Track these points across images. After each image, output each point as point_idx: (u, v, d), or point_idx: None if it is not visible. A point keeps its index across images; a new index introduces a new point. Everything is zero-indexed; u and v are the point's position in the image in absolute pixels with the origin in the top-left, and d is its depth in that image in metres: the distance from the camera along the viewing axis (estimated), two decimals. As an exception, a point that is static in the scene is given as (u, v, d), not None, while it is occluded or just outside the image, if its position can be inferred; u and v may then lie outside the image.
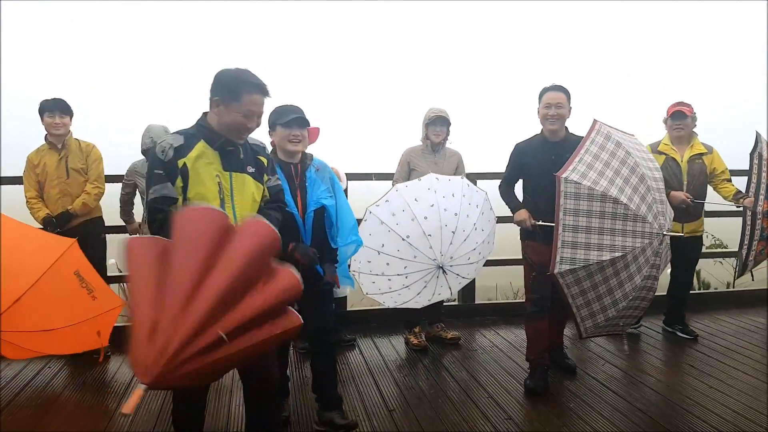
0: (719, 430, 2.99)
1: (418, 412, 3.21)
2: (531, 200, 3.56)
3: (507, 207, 3.64)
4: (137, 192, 4.19)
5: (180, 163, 2.15)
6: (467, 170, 4.29)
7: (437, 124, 4.09)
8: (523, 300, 3.74)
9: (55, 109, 3.86)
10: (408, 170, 4.15)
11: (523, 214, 3.48)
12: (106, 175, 4.18)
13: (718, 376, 3.72)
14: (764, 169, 3.78)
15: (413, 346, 4.22)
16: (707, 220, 4.56)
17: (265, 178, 2.43)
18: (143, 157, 4.08)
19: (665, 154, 4.23)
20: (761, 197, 3.76)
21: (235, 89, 2.18)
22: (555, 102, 3.39)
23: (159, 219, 2.12)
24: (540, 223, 3.41)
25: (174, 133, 2.23)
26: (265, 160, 2.42)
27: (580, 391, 3.49)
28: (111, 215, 4.32)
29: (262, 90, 2.24)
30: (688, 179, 4.19)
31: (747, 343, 4.33)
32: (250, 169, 2.32)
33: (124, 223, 4.36)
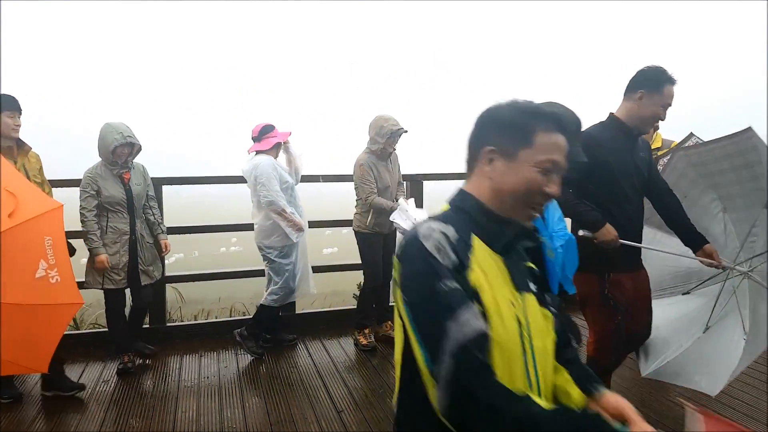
0: (661, 422, 3.17)
1: (367, 413, 3.25)
2: (604, 211, 2.66)
3: (576, 217, 2.68)
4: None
5: (471, 277, 1.11)
6: (416, 172, 4.39)
7: (397, 135, 4.13)
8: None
9: (15, 108, 3.31)
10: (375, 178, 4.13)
11: (612, 231, 2.58)
12: (69, 180, 3.97)
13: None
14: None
15: (362, 347, 4.26)
16: None
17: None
18: (99, 159, 3.73)
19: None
20: None
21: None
22: (671, 102, 2.68)
23: (484, 384, 1.02)
24: (626, 242, 2.64)
25: (435, 219, 1.18)
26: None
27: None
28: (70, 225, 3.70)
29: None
30: None
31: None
32: (532, 286, 1.27)
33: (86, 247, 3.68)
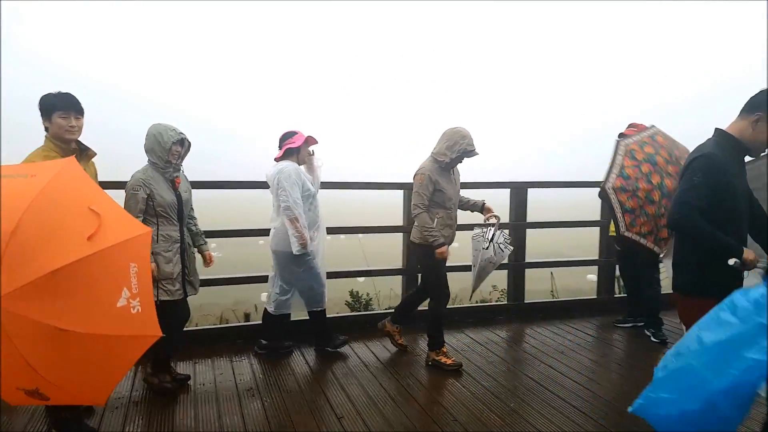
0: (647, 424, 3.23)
1: (368, 419, 3.26)
2: (727, 234, 2.51)
3: (713, 246, 2.50)
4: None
5: None
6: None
7: (468, 156, 3.98)
8: (467, 305, 3.83)
9: (70, 108, 3.03)
10: (433, 190, 3.95)
11: (752, 252, 2.47)
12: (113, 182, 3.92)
13: (641, 375, 4.00)
14: (620, 151, 4.30)
15: (448, 367, 4.03)
16: None
17: None
18: (148, 158, 3.53)
19: None
20: (614, 175, 4.21)
21: None
22: None
23: None
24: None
25: None
26: None
27: (519, 391, 3.65)
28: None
29: None
30: None
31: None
32: None
33: None
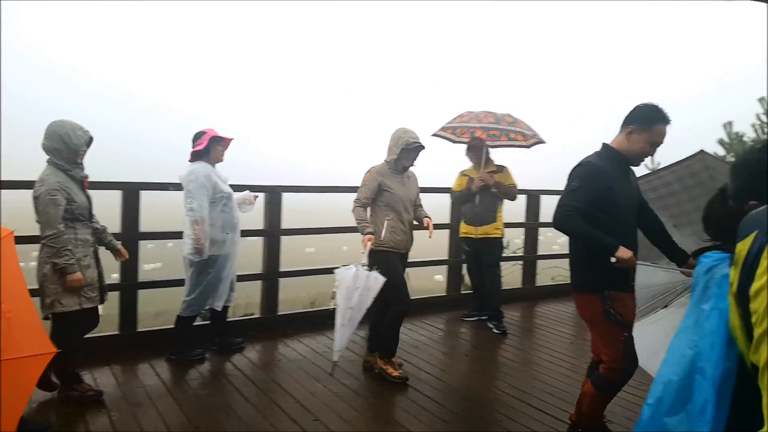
0: (494, 408, 3.56)
1: (228, 426, 3.19)
2: (612, 237, 2.70)
3: (591, 244, 2.73)
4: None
5: None
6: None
7: (416, 151, 3.97)
8: (325, 307, 3.90)
9: None
10: (377, 190, 3.91)
11: (628, 251, 2.64)
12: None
13: (486, 363, 4.38)
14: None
15: (394, 378, 3.88)
16: None
17: None
18: (50, 159, 3.24)
19: (468, 175, 5.26)
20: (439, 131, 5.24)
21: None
22: (661, 140, 2.81)
23: None
24: (649, 264, 2.89)
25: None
26: None
27: (379, 387, 3.82)
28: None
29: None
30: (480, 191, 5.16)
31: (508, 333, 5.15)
32: None
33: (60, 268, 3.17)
